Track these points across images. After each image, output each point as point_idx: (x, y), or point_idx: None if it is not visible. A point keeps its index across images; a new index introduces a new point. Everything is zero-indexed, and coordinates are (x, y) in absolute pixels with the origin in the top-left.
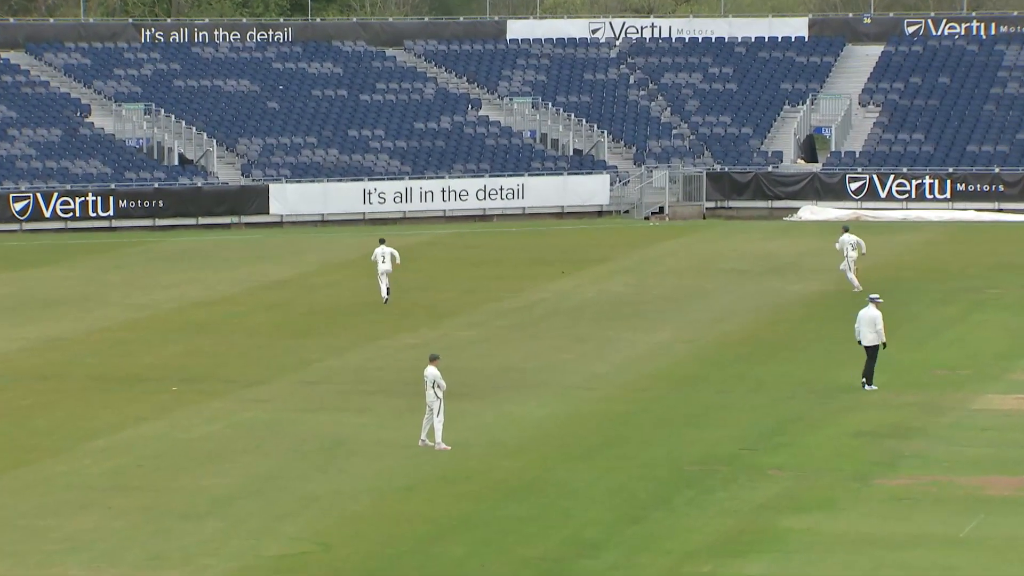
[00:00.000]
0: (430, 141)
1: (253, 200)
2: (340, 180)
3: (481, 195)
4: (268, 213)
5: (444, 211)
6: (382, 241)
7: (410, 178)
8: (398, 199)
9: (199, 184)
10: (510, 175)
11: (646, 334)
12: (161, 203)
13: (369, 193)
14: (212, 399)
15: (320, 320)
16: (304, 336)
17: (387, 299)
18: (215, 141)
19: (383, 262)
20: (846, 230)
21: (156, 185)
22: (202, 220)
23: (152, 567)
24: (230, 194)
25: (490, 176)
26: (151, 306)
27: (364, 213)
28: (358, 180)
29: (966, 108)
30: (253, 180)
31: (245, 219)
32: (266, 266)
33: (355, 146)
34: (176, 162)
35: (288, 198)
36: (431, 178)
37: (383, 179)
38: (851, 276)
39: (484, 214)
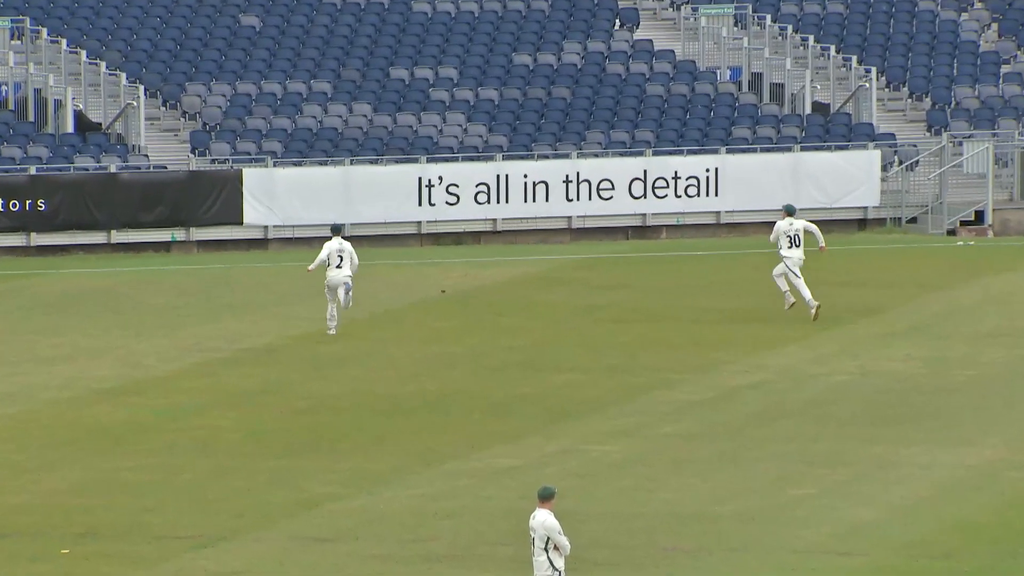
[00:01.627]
0: (542, 90)
1: (213, 199)
2: (375, 161)
3: (637, 189)
4: (240, 223)
5: (568, 219)
6: (336, 231)
7: (505, 158)
8: (483, 197)
9: (113, 170)
10: (692, 151)
11: (950, 450)
12: (42, 204)
13: (428, 186)
14: (133, 572)
15: (330, 423)
16: (302, 453)
17: (334, 329)
18: (143, 89)
19: (336, 265)
20: (790, 213)
21: (32, 171)
22: (119, 236)
23: None
24: (171, 188)
25: (654, 153)
26: (21, 397)
27: (420, 223)
28: (408, 161)
29: None
30: (213, 162)
31: (197, 234)
32: (234, 321)
33: (402, 98)
34: (71, 128)
35: (277, 195)
36: (544, 157)
37: (453, 159)
38: (780, 283)
39: (642, 224)
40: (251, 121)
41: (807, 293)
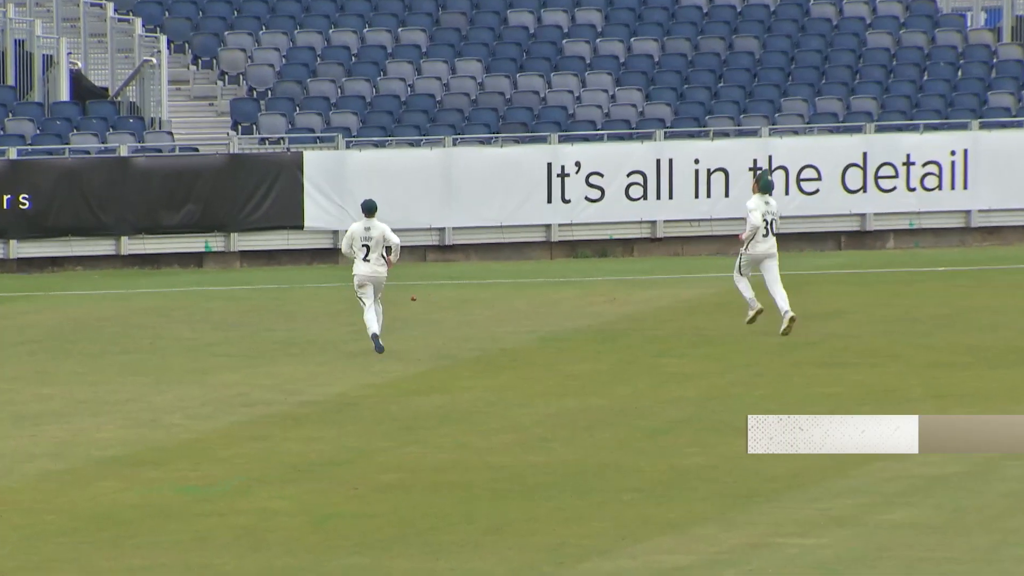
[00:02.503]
0: (720, 40)
1: (262, 194)
2: (487, 141)
3: (854, 180)
4: (300, 227)
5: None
6: (368, 211)
7: (668, 136)
8: (636, 190)
9: (124, 153)
10: (931, 126)
11: None
12: (25, 201)
13: (561, 175)
14: None
15: (426, 505)
16: (386, 547)
17: (379, 342)
18: (165, 41)
19: (363, 257)
20: (765, 189)
21: (12, 154)
22: (132, 246)
23: None
24: (204, 179)
25: (877, 129)
26: None
27: (549, 226)
28: (534, 140)
29: None
30: (262, 141)
31: (241, 242)
32: (292, 364)
33: (525, 53)
34: (65, 95)
35: (350, 188)
36: (722, 135)
37: (596, 138)
38: (743, 287)
39: (860, 229)
40: (314, 85)
41: (784, 299)
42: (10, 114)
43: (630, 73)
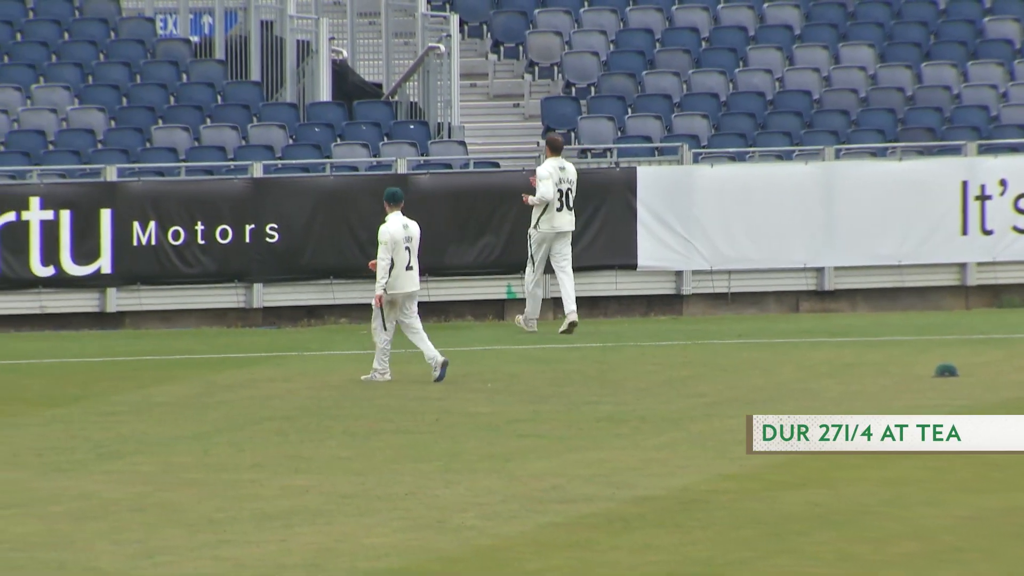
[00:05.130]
0: None
1: (584, 222)
2: (881, 154)
3: None
4: (633, 266)
5: None
6: (395, 201)
7: None
8: None
9: (402, 169)
10: None
11: None
12: (272, 232)
13: (981, 196)
14: None
15: None
16: None
17: (440, 371)
18: (456, 21)
19: (407, 265)
20: (555, 149)
21: (257, 171)
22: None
23: None
24: (506, 203)
25: None
26: None
27: (964, 265)
28: (944, 151)
29: None
30: (583, 154)
31: (555, 285)
32: (617, 446)
33: (932, 35)
34: (325, 93)
35: (698, 214)
36: None
37: None
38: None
39: None
40: (651, 79)
41: (572, 297)
42: (254, 118)
43: None
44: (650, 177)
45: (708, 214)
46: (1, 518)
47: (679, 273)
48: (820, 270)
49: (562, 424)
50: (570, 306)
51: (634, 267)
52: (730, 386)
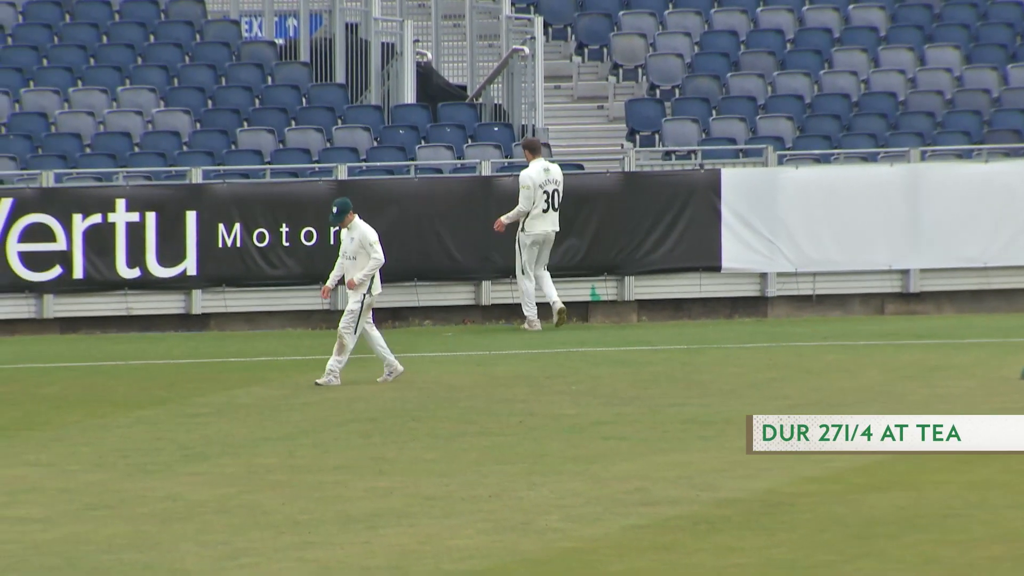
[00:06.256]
0: None
1: (667, 224)
2: (967, 155)
3: None
4: (717, 268)
5: None
6: (337, 214)
7: None
8: None
9: (486, 171)
10: None
11: None
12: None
13: None
14: None
15: None
16: None
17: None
18: (541, 24)
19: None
20: (533, 150)
21: (342, 172)
22: (494, 293)
23: None
24: (590, 205)
25: None
26: None
27: None
28: None
29: None
30: (667, 156)
31: (637, 288)
32: (703, 449)
33: (1020, 39)
34: (409, 95)
35: (783, 215)
36: None
37: None
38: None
39: None
40: (736, 81)
41: (553, 291)
42: (339, 120)
43: None
44: (734, 179)
45: (792, 216)
46: (87, 520)
47: (763, 275)
48: (905, 272)
49: (646, 426)
50: (553, 297)
51: (718, 269)
52: (814, 389)
